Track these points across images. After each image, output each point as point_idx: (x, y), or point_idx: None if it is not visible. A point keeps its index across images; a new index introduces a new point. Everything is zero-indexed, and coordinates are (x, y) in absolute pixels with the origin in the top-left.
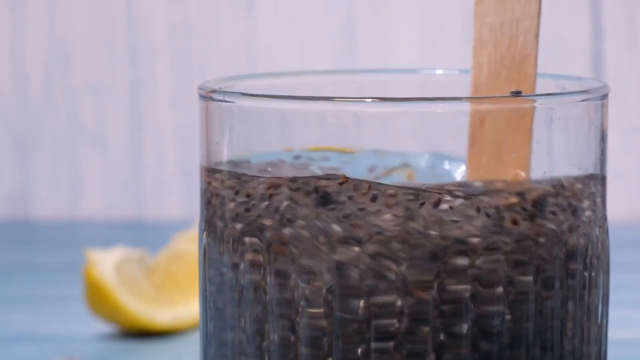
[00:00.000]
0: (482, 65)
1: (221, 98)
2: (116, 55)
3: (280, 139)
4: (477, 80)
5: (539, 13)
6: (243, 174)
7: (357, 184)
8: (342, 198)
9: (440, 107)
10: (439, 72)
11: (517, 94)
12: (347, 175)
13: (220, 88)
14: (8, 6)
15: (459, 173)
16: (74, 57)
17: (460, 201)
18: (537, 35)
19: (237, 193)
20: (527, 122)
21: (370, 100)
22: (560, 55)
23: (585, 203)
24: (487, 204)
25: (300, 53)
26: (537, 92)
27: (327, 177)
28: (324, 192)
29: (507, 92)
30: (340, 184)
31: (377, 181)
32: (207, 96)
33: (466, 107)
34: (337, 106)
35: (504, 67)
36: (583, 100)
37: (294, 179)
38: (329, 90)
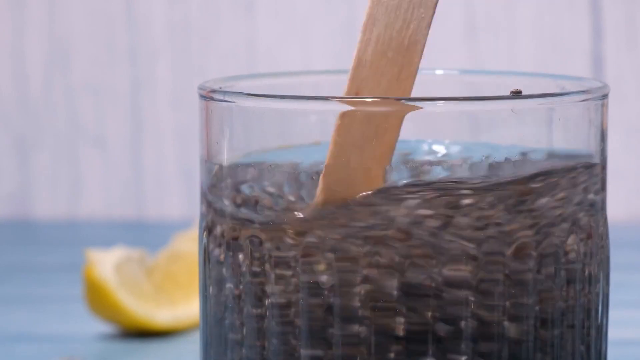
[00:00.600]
0: (370, 41)
1: (221, 98)
2: (116, 55)
3: (280, 138)
4: (362, 55)
5: (435, 3)
6: (243, 175)
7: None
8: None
9: (440, 107)
10: (439, 72)
11: (517, 93)
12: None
13: (220, 88)
14: (8, 6)
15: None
16: (74, 57)
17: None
18: (429, 25)
19: (237, 192)
20: (399, 121)
21: (370, 100)
22: (560, 55)
23: (585, 203)
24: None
25: (300, 53)
26: (537, 92)
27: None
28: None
29: (389, 72)
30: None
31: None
32: (207, 96)
33: (467, 107)
34: (337, 106)
35: (390, 49)
36: (583, 100)
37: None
38: (329, 90)
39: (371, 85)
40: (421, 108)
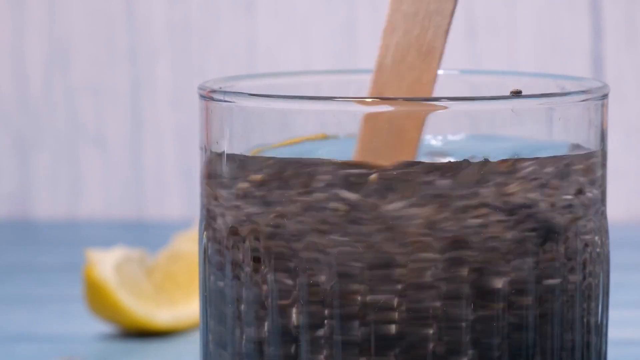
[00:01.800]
0: (390, 47)
1: (221, 98)
2: (116, 55)
3: (280, 138)
4: (382, 60)
5: (452, 12)
6: (243, 174)
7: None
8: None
9: (440, 106)
10: (439, 72)
11: (517, 93)
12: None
13: (220, 88)
14: (8, 6)
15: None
16: (74, 57)
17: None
18: (446, 32)
19: (237, 192)
20: (420, 121)
21: (370, 100)
22: (560, 55)
23: (585, 203)
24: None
25: (300, 53)
26: (537, 92)
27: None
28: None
29: (409, 78)
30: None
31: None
32: (207, 96)
33: (468, 107)
34: (337, 106)
35: (409, 54)
36: (583, 100)
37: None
38: (329, 90)
39: (393, 88)
40: (445, 108)
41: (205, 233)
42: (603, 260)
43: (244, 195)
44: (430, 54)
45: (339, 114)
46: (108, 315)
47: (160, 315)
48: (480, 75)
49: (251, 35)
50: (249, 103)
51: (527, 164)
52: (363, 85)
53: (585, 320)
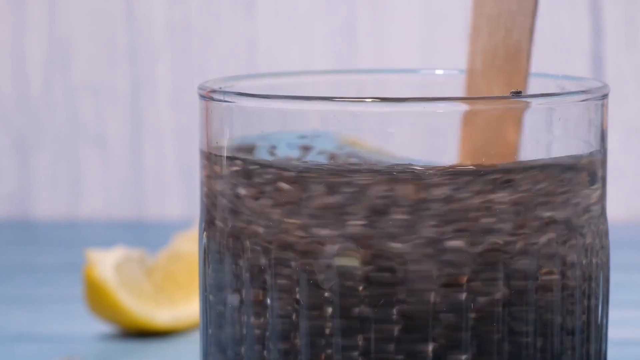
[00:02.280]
0: (477, 52)
1: (221, 98)
2: (116, 55)
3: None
4: (472, 66)
5: (534, 11)
6: (242, 175)
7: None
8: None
9: (440, 107)
10: (439, 72)
11: (517, 94)
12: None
13: (220, 88)
14: (8, 6)
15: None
16: (74, 57)
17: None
18: (531, 31)
19: (237, 192)
20: (517, 119)
21: (370, 100)
22: (560, 55)
23: (585, 203)
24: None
25: (300, 53)
26: (537, 92)
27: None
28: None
29: (500, 81)
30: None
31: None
32: (207, 96)
33: (465, 107)
34: (337, 106)
35: (497, 57)
36: (583, 100)
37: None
38: (329, 90)
39: (485, 94)
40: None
41: (205, 233)
42: (603, 260)
43: (244, 196)
44: (517, 55)
45: (339, 114)
46: (108, 315)
47: (160, 315)
48: None
49: (251, 35)
50: (249, 103)
51: (527, 163)
52: (363, 85)
53: (585, 320)
